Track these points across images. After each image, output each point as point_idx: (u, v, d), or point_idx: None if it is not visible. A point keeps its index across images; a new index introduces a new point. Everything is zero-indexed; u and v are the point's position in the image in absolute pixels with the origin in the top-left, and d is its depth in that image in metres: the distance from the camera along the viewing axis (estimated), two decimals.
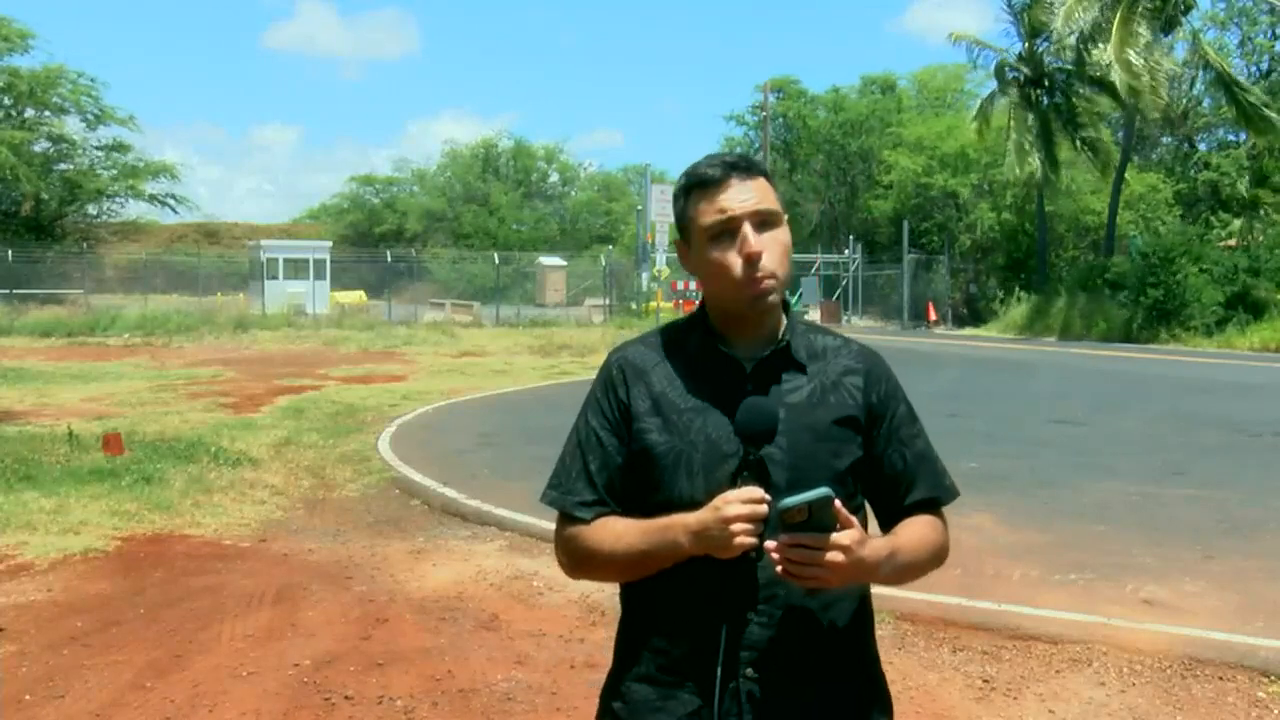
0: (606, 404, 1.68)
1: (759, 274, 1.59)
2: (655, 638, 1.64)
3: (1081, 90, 31.56)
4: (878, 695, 1.70)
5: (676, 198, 1.68)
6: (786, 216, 1.70)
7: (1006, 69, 32.86)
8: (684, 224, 1.67)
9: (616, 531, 1.62)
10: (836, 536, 1.45)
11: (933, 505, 1.71)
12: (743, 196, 1.60)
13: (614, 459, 1.66)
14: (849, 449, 1.63)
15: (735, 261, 1.59)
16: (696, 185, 1.63)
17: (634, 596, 1.69)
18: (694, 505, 1.54)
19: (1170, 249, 26.58)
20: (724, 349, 1.65)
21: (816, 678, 1.59)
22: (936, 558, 1.69)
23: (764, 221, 1.61)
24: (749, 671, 1.56)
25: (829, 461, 1.61)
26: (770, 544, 1.46)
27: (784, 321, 1.68)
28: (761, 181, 1.63)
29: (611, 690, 1.70)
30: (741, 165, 1.62)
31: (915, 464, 1.69)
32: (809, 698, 1.59)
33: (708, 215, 1.61)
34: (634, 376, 1.67)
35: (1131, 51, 26.91)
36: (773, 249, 1.60)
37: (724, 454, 1.58)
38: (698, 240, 1.64)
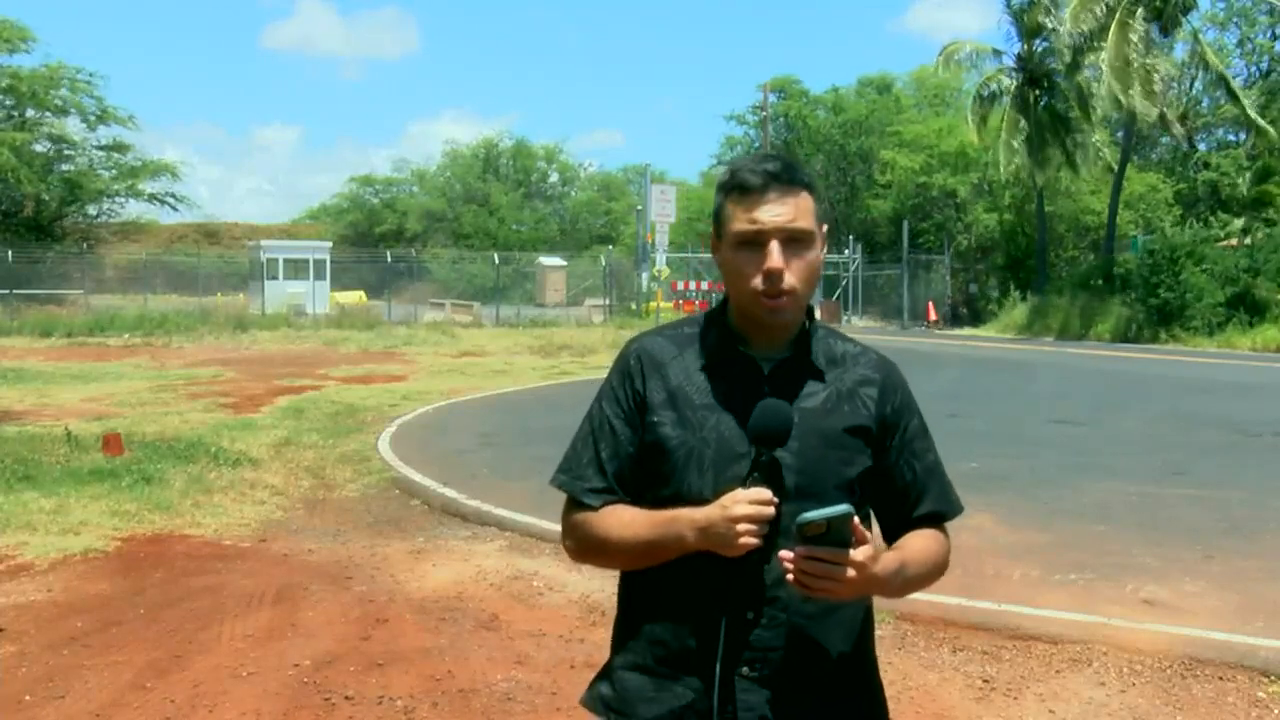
0: (622, 393, 1.68)
1: (775, 291, 1.59)
2: (655, 629, 1.65)
3: (1072, 94, 31.60)
4: (875, 699, 1.71)
5: (718, 189, 1.67)
6: (826, 227, 1.69)
7: (1003, 74, 32.88)
8: (718, 220, 1.66)
9: (624, 520, 1.63)
10: (853, 553, 1.46)
11: (938, 519, 1.72)
12: (777, 211, 1.59)
13: (626, 448, 1.66)
14: (859, 458, 1.64)
15: (755, 273, 1.59)
16: (736, 188, 1.62)
17: (636, 586, 1.70)
18: (702, 502, 1.55)
19: (1176, 249, 26.57)
20: (743, 349, 1.65)
21: (815, 682, 1.60)
22: (938, 571, 1.71)
23: (794, 239, 1.59)
24: (745, 670, 1.57)
25: (838, 469, 1.62)
26: (785, 554, 1.47)
27: (805, 326, 1.68)
28: (803, 197, 1.61)
29: (603, 674, 1.71)
30: (784, 177, 1.60)
31: (925, 477, 1.70)
32: (806, 703, 1.59)
33: (739, 222, 1.61)
34: (651, 368, 1.67)
35: (1126, 55, 26.87)
36: (797, 268, 1.59)
37: (736, 454, 1.58)
38: (727, 241, 1.63)
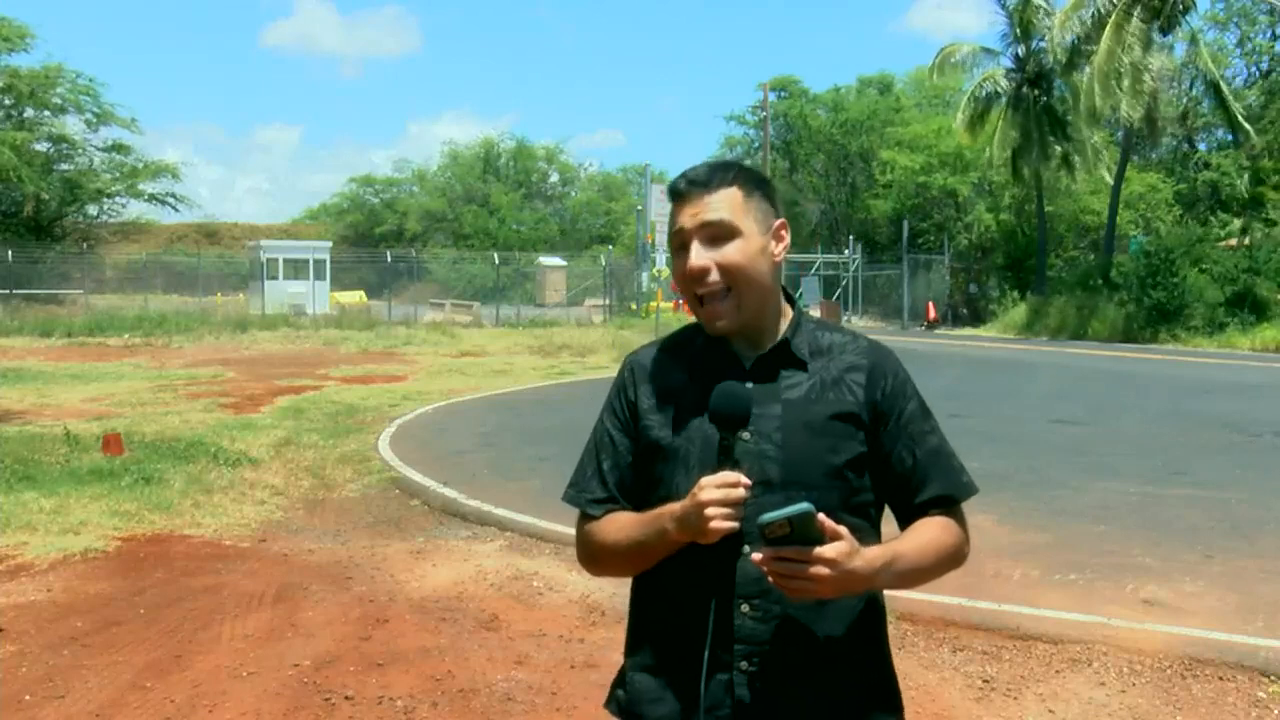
0: (618, 404, 1.74)
1: (700, 290, 1.63)
2: (656, 629, 1.67)
3: (1069, 95, 31.61)
4: (883, 694, 1.69)
5: None
6: (780, 221, 1.68)
7: (1000, 75, 32.89)
8: None
9: (619, 524, 1.67)
10: (821, 550, 1.44)
11: (948, 503, 1.68)
12: (693, 211, 1.63)
13: (625, 457, 1.71)
14: (848, 445, 1.63)
15: (685, 275, 1.64)
16: (670, 197, 1.69)
17: (640, 589, 1.73)
18: None
19: (1172, 249, 26.57)
20: (727, 347, 1.67)
21: (813, 674, 1.59)
22: (952, 559, 1.66)
23: (713, 236, 1.62)
24: (743, 665, 1.57)
25: (824, 457, 1.61)
26: (756, 556, 1.47)
27: (789, 319, 1.69)
28: (725, 193, 1.63)
29: (619, 678, 1.75)
30: (701, 181, 1.64)
31: (926, 461, 1.67)
32: (802, 694, 1.59)
33: (670, 228, 1.68)
34: (643, 376, 1.73)
35: (1117, 57, 26.80)
36: (724, 260, 1.61)
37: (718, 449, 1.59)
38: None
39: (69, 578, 5.62)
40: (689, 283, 1.63)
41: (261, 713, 3.92)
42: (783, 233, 1.69)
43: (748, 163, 1.62)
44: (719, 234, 1.62)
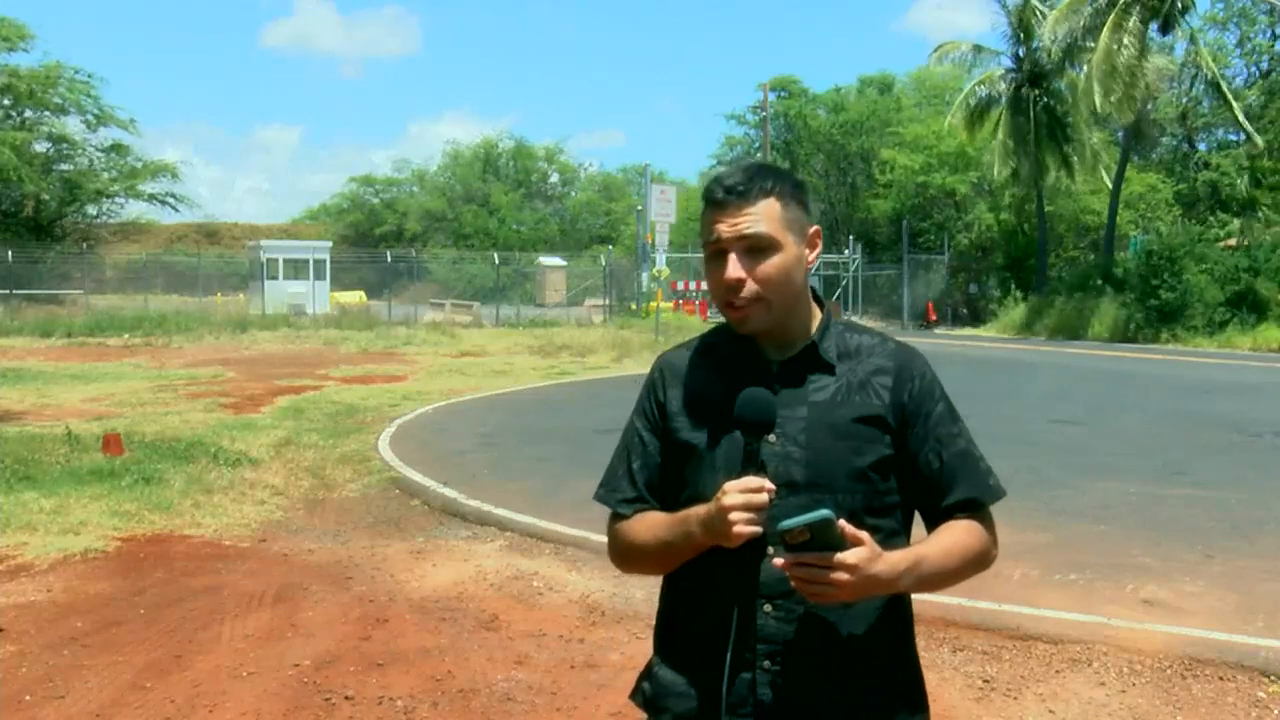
0: (648, 405, 1.76)
1: (736, 301, 1.62)
2: (682, 626, 1.70)
3: (1067, 96, 31.59)
4: (907, 693, 1.71)
5: None
6: (813, 229, 1.68)
7: (1001, 76, 32.88)
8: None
9: (648, 524, 1.69)
10: (841, 556, 1.44)
11: (974, 506, 1.69)
12: (734, 221, 1.61)
13: (654, 458, 1.73)
14: (873, 448, 1.63)
15: (720, 284, 1.63)
16: (706, 201, 1.66)
17: (669, 586, 1.75)
18: None
19: (1175, 249, 26.55)
20: (755, 349, 1.68)
21: (836, 673, 1.60)
22: (977, 562, 1.67)
23: (753, 247, 1.61)
24: (766, 664, 1.58)
25: (848, 459, 1.61)
26: (778, 561, 1.48)
27: (818, 320, 1.70)
28: (766, 204, 1.61)
29: (646, 671, 1.77)
30: (740, 190, 1.61)
31: (953, 464, 1.67)
32: (825, 694, 1.60)
33: (706, 234, 1.66)
34: (672, 378, 1.74)
35: (1114, 58, 26.76)
36: (761, 275, 1.61)
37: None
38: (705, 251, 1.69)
39: (69, 578, 5.62)
40: (724, 292, 1.62)
41: (261, 713, 3.92)
42: (817, 240, 1.69)
43: (759, 157, 1.58)
44: (758, 246, 1.61)
